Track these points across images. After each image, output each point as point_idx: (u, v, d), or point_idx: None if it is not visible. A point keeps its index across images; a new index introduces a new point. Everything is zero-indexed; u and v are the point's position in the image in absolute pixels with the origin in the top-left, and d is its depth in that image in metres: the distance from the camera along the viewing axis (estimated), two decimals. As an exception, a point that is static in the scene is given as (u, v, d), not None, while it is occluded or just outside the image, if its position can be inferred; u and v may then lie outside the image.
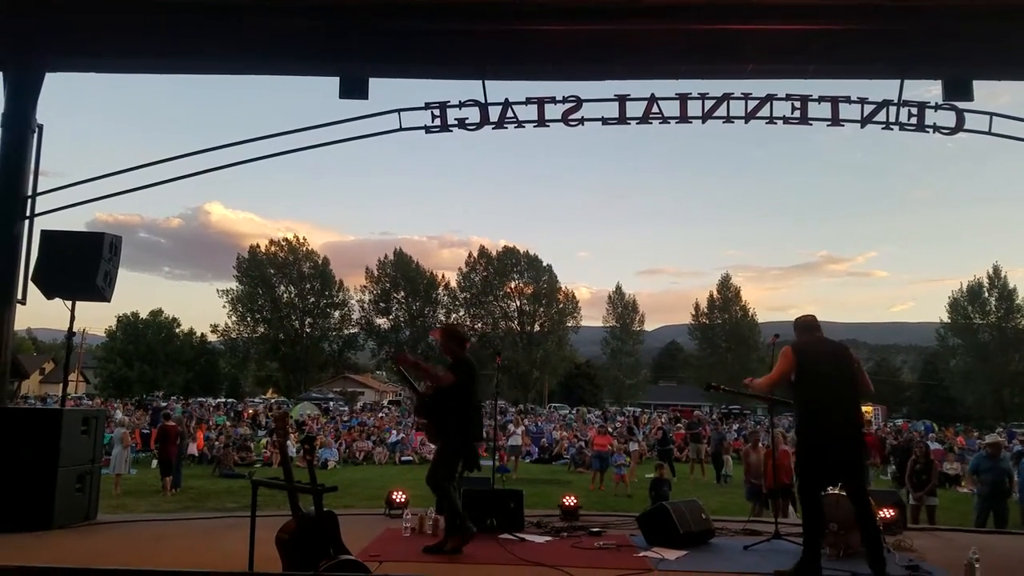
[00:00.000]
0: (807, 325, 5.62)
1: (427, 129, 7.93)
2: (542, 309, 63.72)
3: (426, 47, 7.99)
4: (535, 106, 7.84)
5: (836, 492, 5.78)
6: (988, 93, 7.75)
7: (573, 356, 70.69)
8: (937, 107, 7.76)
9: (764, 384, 5.81)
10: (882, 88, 7.96)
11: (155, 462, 16.75)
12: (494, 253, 64.91)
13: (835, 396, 5.23)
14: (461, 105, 7.86)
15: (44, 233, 7.25)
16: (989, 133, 7.81)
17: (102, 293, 7.22)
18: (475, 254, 64.95)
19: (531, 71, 8.24)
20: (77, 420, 7.14)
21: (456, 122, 7.90)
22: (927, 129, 7.80)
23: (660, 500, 8.94)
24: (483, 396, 6.25)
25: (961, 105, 7.70)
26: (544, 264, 64.58)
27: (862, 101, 7.78)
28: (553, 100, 7.83)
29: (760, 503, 11.23)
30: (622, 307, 67.98)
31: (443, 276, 65.69)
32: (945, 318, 57.57)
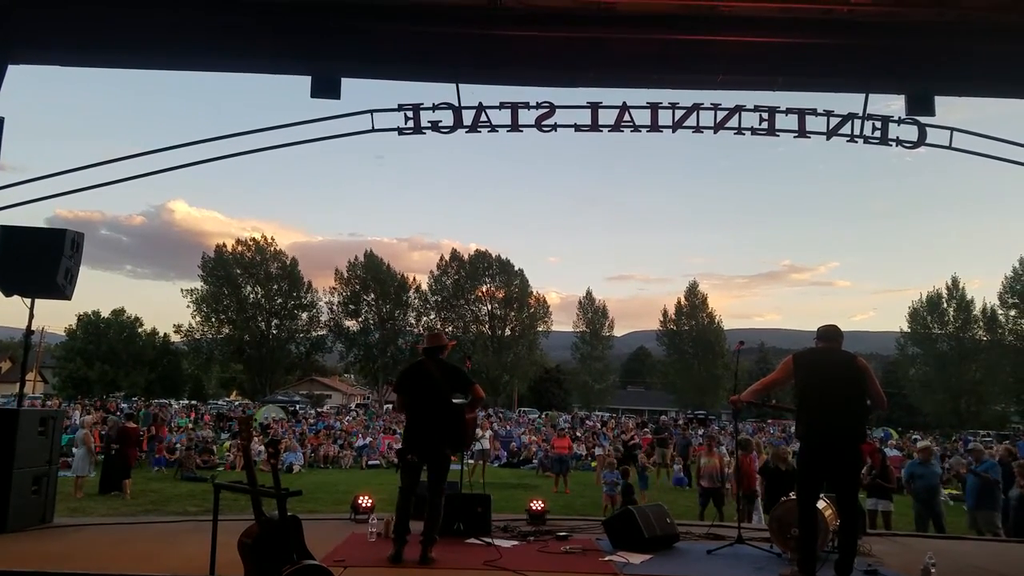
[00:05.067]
0: (822, 335, 5.72)
1: (400, 131, 7.91)
2: (513, 313, 63.76)
3: (400, 49, 7.98)
4: (508, 111, 7.88)
5: (823, 497, 5.91)
6: (946, 109, 7.97)
7: (543, 360, 70.85)
8: (900, 121, 7.97)
9: (750, 393, 6.06)
10: (847, 101, 8.14)
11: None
12: (466, 256, 64.88)
13: (832, 402, 5.31)
14: (435, 108, 7.86)
15: (3, 228, 7.06)
16: (950, 148, 8.03)
17: (63, 291, 7.05)
18: (447, 257, 64.88)
19: (504, 76, 8.26)
20: (34, 421, 6.96)
21: (429, 125, 7.90)
22: (890, 143, 8.00)
23: (626, 504, 9.01)
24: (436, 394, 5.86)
25: (923, 120, 7.92)
26: (516, 268, 64.74)
27: (828, 114, 7.95)
28: (527, 105, 7.87)
29: (704, 506, 11.37)
30: (592, 312, 68.40)
31: (414, 279, 65.45)
32: (905, 328, 58.85)
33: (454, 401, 5.88)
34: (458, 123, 7.88)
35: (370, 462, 22.83)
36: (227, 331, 60.15)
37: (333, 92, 7.74)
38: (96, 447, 15.76)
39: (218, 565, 4.41)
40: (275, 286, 60.99)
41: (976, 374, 54.84)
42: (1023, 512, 9.20)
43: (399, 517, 5.76)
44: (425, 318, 63.41)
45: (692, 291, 68.39)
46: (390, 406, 56.87)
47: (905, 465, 11.47)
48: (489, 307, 64.10)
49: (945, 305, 56.98)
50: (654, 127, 7.94)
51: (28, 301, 7.11)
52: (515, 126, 7.90)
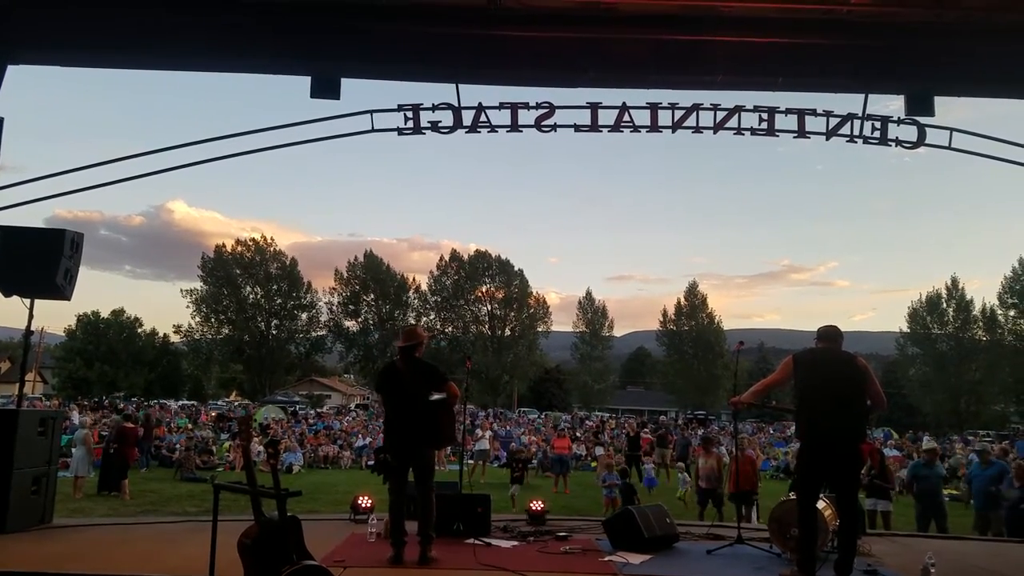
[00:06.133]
0: (822, 335, 5.72)
1: (400, 131, 7.91)
2: (513, 313, 63.77)
3: (399, 49, 7.97)
4: (508, 111, 7.87)
5: (822, 497, 5.90)
6: (945, 109, 7.96)
7: (543, 361, 70.87)
8: (899, 121, 7.97)
9: (751, 394, 6.05)
10: (846, 102, 8.13)
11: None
12: (465, 257, 64.88)
13: (832, 402, 5.30)
14: (434, 108, 7.85)
15: (2, 229, 7.05)
16: (949, 148, 8.03)
17: (62, 291, 7.05)
18: (446, 257, 64.89)
19: (504, 76, 8.25)
20: (34, 421, 6.96)
21: (429, 125, 7.89)
22: (890, 143, 8.00)
23: (626, 505, 9.00)
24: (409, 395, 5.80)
25: (922, 120, 7.92)
26: (515, 268, 64.74)
27: (827, 114, 7.95)
28: (526, 106, 7.87)
29: (703, 506, 11.37)
30: (592, 312, 68.40)
31: (414, 279, 65.46)
32: (905, 328, 58.86)
33: (432, 399, 5.79)
34: (458, 123, 7.88)
35: (369, 462, 22.80)
36: (227, 331, 60.16)
37: (333, 92, 7.73)
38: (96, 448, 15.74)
39: (218, 566, 4.40)
40: (275, 286, 60.99)
41: (975, 374, 54.83)
42: (1020, 512, 9.20)
43: (393, 519, 5.78)
44: (425, 318, 63.42)
45: (692, 291, 68.42)
46: (390, 406, 56.86)
47: (908, 466, 11.44)
48: (489, 307, 64.11)
49: (944, 305, 57.00)
50: (654, 127, 7.94)
51: (27, 301, 7.10)
52: (515, 126, 7.89)
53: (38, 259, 6.87)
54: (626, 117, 7.91)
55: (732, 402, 6.52)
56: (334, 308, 63.29)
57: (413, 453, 5.84)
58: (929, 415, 55.80)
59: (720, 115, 7.93)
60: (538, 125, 7.90)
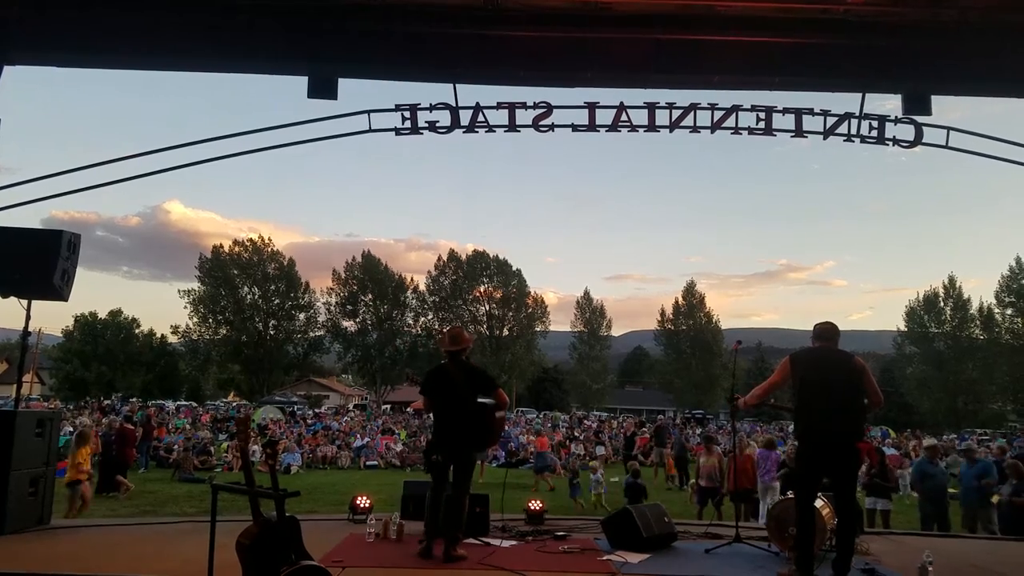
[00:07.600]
0: (819, 333, 5.71)
1: (397, 131, 7.91)
2: (511, 313, 63.72)
3: (396, 49, 7.97)
4: (506, 111, 7.87)
5: (821, 496, 5.91)
6: (940, 109, 7.98)
7: (541, 360, 70.82)
8: (897, 121, 7.98)
9: (753, 397, 6.06)
10: (844, 101, 8.15)
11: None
12: (463, 257, 64.82)
13: (830, 401, 5.30)
14: (432, 108, 7.86)
15: (-1, 230, 7.05)
16: (946, 147, 8.04)
17: (59, 292, 7.03)
18: (444, 258, 64.82)
19: (502, 75, 8.25)
20: (31, 422, 6.95)
21: (426, 125, 7.89)
22: (887, 142, 8.01)
23: (635, 502, 9.02)
24: (456, 398, 5.95)
25: (920, 119, 7.94)
26: (513, 268, 64.70)
27: (825, 113, 7.96)
28: (524, 106, 7.87)
29: (703, 505, 11.37)
30: (590, 312, 68.43)
31: (412, 279, 65.38)
32: (902, 327, 58.96)
33: (480, 401, 5.95)
34: (455, 123, 7.88)
35: (368, 462, 22.82)
36: (224, 332, 59.99)
37: (330, 93, 7.73)
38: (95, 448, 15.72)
39: (216, 566, 4.40)
40: (272, 287, 60.85)
41: (973, 373, 54.85)
42: (1014, 509, 9.22)
43: (429, 515, 5.90)
44: (423, 318, 63.42)
45: (689, 291, 68.44)
46: (388, 407, 56.86)
47: (913, 464, 11.34)
48: (487, 307, 64.06)
49: (942, 304, 57.11)
50: (651, 127, 7.95)
51: (25, 302, 7.08)
52: (512, 126, 7.89)
53: (35, 260, 6.84)
54: (624, 117, 7.91)
55: (737, 401, 6.50)
56: (332, 308, 63.19)
57: (460, 454, 5.99)
58: (927, 414, 55.86)
59: (717, 115, 7.94)
60: (536, 125, 7.90)
